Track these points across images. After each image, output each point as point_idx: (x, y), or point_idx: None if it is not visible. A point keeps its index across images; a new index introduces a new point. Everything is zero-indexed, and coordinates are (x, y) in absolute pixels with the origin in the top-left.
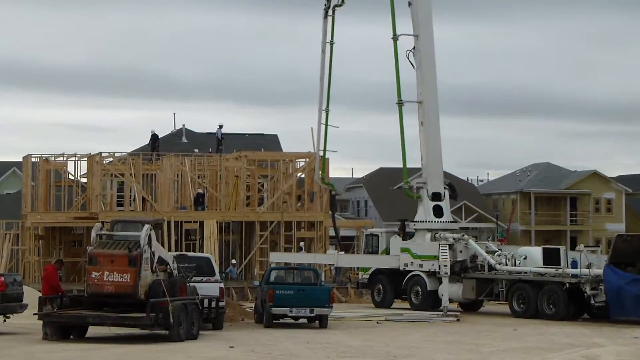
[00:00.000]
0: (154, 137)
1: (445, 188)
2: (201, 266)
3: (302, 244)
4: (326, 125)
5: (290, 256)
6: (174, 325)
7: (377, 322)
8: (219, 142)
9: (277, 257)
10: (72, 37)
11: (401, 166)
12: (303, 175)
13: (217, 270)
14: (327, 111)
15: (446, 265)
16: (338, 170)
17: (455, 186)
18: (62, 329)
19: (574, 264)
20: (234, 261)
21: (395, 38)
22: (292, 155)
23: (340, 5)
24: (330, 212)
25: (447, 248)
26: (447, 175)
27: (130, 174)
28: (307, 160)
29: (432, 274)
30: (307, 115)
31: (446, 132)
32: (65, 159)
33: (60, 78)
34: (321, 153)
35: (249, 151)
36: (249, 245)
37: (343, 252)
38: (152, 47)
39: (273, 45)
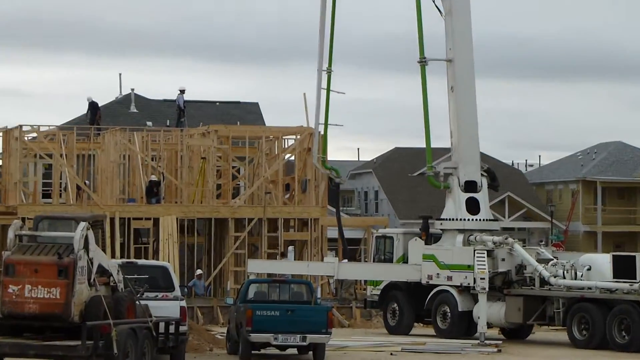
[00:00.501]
0: (93, 105)
1: (482, 175)
2: (156, 278)
3: (290, 248)
4: (328, 91)
5: (276, 265)
6: (119, 357)
7: (391, 354)
8: (180, 112)
9: (257, 267)
10: None
11: (423, 146)
12: (293, 158)
13: (176, 283)
14: (328, 72)
15: (483, 279)
16: (340, 151)
17: (495, 173)
18: None
19: None
20: (199, 271)
21: None
22: (278, 130)
23: None
24: (335, 208)
25: (485, 255)
26: (484, 158)
27: (61, 155)
28: (299, 137)
29: (464, 290)
30: (300, 78)
31: (484, 100)
32: None
33: None
34: (321, 128)
35: (221, 125)
36: (220, 251)
37: (346, 260)
38: None
39: None
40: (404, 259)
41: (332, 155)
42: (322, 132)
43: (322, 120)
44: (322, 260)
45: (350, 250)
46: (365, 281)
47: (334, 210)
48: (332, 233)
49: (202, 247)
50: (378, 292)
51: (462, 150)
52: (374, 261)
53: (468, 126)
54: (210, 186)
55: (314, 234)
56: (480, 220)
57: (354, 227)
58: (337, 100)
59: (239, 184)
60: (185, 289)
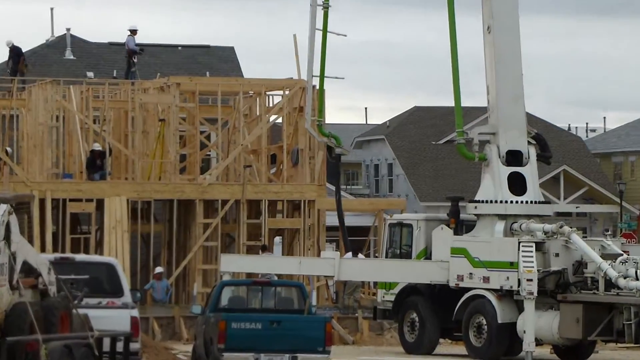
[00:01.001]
0: (15, 51)
1: (529, 143)
2: (99, 279)
3: (277, 240)
4: (324, 31)
5: (257, 262)
6: None
7: None
8: (131, 59)
9: (233, 264)
10: None
11: (452, 104)
12: (280, 120)
13: (126, 286)
14: (325, 8)
15: (531, 280)
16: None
17: (547, 140)
18: None
19: None
20: (158, 270)
21: None
22: (260, 83)
23: None
24: (334, 186)
25: (534, 249)
26: (532, 120)
27: None
28: (288, 92)
29: (506, 295)
30: (289, 16)
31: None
32: None
33: None
34: (316, 81)
35: (185, 77)
36: (185, 243)
37: (349, 255)
38: None
39: None
40: (426, 254)
41: (332, 117)
42: (317, 87)
43: (317, 71)
44: (318, 255)
45: (354, 242)
46: (376, 283)
47: (334, 189)
48: (332, 220)
49: (160, 238)
50: (392, 298)
51: (502, 110)
52: (386, 257)
53: (510, 78)
54: (172, 157)
55: (308, 221)
56: (526, 202)
57: (361, 212)
58: (338, 44)
59: (209, 155)
60: (139, 294)
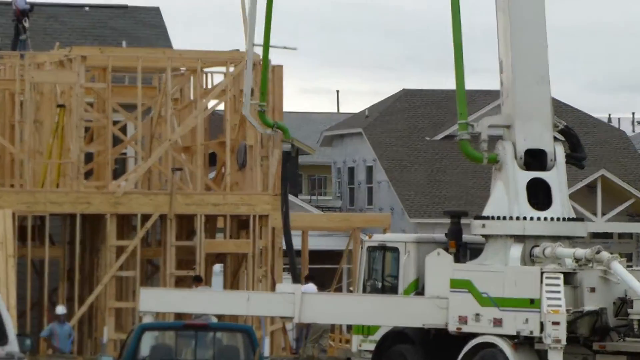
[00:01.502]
0: None
1: (556, 140)
2: None
3: (218, 268)
4: None
5: (190, 299)
6: None
7: None
8: (20, 23)
9: (157, 301)
10: None
11: (452, 88)
12: (222, 108)
13: (11, 330)
14: None
15: (558, 323)
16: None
17: (580, 137)
18: None
19: None
20: (61, 309)
21: None
22: (195, 57)
23: None
24: (281, 194)
25: (562, 282)
26: (560, 109)
27: None
28: (232, 69)
29: (524, 344)
30: None
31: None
32: None
33: None
34: (259, 51)
35: (93, 47)
36: (92, 272)
37: (311, 287)
38: None
39: None
40: (417, 288)
41: (290, 103)
42: (260, 60)
43: (260, 39)
44: (273, 289)
45: (321, 273)
46: (349, 327)
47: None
48: (294, 241)
49: (59, 266)
50: (372, 347)
51: (520, 94)
52: (364, 291)
53: (530, 52)
54: (75, 157)
55: (259, 243)
56: (552, 219)
57: (331, 231)
58: (299, 3)
59: (125, 154)
60: (29, 341)
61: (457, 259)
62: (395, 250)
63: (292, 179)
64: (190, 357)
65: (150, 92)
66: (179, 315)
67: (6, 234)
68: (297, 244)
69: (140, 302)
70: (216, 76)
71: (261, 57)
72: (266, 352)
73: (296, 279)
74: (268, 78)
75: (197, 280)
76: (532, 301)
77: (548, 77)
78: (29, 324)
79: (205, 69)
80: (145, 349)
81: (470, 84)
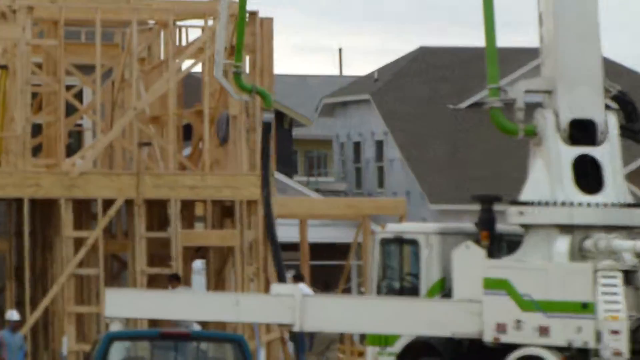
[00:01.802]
0: None
1: (608, 108)
2: None
3: (199, 264)
4: None
5: (167, 302)
6: None
7: None
8: None
9: (126, 306)
10: None
11: (481, 45)
12: (200, 69)
13: None
14: None
15: (618, 332)
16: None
17: (636, 104)
18: None
19: None
20: (13, 315)
21: None
22: (166, 8)
23: None
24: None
25: (620, 281)
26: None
27: None
28: (212, 23)
29: (577, 357)
30: None
31: None
32: None
33: None
34: None
35: None
36: (46, 270)
37: (306, 288)
38: None
39: None
40: (443, 288)
41: (282, 63)
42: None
43: None
44: (267, 290)
45: (323, 271)
46: (363, 337)
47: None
48: (290, 233)
49: (5, 262)
50: (390, 358)
51: (563, 53)
52: (379, 292)
53: (576, 1)
54: (20, 129)
55: (248, 235)
56: (605, 205)
57: (334, 220)
58: None
59: (81, 125)
60: None
61: (491, 254)
62: (414, 243)
63: (266, 154)
64: None
65: (111, 50)
66: (153, 322)
67: None
68: (293, 235)
69: (106, 306)
70: (192, 31)
71: (222, 4)
72: None
73: (282, 280)
74: (245, 30)
75: (173, 280)
76: (584, 305)
77: (598, 31)
78: None
79: (179, 22)
80: None
81: (502, 41)
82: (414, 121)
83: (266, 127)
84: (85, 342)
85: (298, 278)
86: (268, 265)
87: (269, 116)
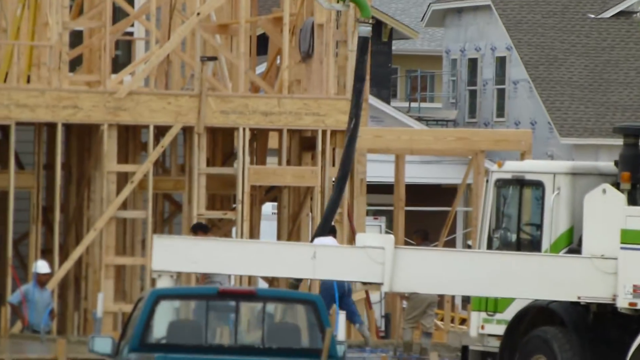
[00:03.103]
0: None
1: None
2: None
3: (269, 208)
4: None
5: (229, 254)
6: None
7: None
8: None
9: (179, 257)
10: None
11: None
12: None
13: None
14: None
15: None
16: None
17: None
18: None
19: None
20: (43, 266)
21: None
22: None
23: None
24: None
25: None
26: None
27: None
28: None
29: None
30: None
31: None
32: None
33: None
34: None
35: None
36: (80, 211)
37: (332, 240)
38: None
39: None
40: (570, 241)
41: None
42: None
43: None
44: (352, 241)
45: (422, 218)
46: (467, 301)
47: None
48: (382, 170)
49: (30, 201)
50: (501, 330)
51: None
52: (490, 246)
53: None
54: (54, 38)
55: (330, 172)
56: None
57: (440, 155)
58: None
59: (131, 34)
60: None
61: (633, 200)
62: (538, 185)
63: (385, 78)
64: (227, 342)
65: None
66: (208, 278)
67: None
68: (387, 174)
69: (153, 258)
70: None
71: None
72: (340, 334)
73: (321, 230)
74: None
75: (199, 230)
76: None
77: None
78: None
79: None
80: (160, 326)
81: None
82: (544, 33)
83: (362, 43)
84: (126, 301)
85: (330, 232)
86: (355, 210)
87: (366, 29)
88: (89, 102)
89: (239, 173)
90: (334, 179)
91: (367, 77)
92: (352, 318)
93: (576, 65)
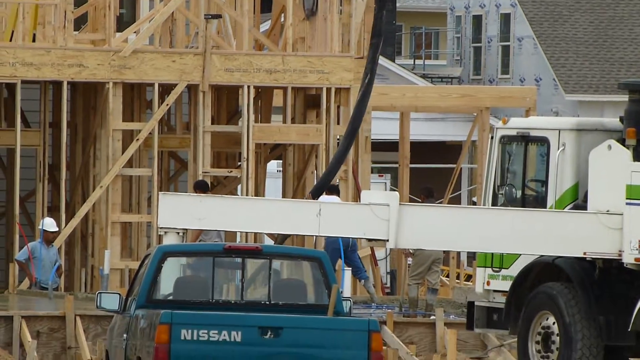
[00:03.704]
0: None
1: None
2: None
3: (274, 166)
4: None
5: (235, 210)
6: None
7: None
8: None
9: (185, 214)
10: None
11: None
12: None
13: None
14: None
15: None
16: None
17: None
18: None
19: None
20: (50, 223)
21: None
22: None
23: None
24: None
25: None
26: None
27: None
28: None
29: None
30: None
31: None
32: None
33: None
34: None
35: None
36: (86, 169)
37: (335, 199)
38: None
39: None
40: (575, 197)
41: None
42: None
43: None
44: (357, 198)
45: (424, 175)
46: (472, 257)
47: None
48: (385, 127)
49: (37, 159)
50: (506, 286)
51: None
52: (495, 202)
53: None
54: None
55: (336, 130)
56: None
57: (444, 113)
58: None
59: None
60: None
61: (639, 156)
62: (543, 141)
63: (390, 34)
64: (234, 297)
65: None
66: (216, 235)
67: None
68: (392, 132)
69: (159, 215)
70: None
71: None
72: (346, 290)
73: (318, 189)
74: None
75: (199, 189)
76: None
77: None
78: None
79: None
80: (167, 283)
81: None
82: None
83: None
84: (132, 258)
85: (332, 190)
86: (359, 167)
87: None
88: (94, 61)
89: (243, 131)
90: (338, 137)
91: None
92: (357, 274)
93: (581, 21)
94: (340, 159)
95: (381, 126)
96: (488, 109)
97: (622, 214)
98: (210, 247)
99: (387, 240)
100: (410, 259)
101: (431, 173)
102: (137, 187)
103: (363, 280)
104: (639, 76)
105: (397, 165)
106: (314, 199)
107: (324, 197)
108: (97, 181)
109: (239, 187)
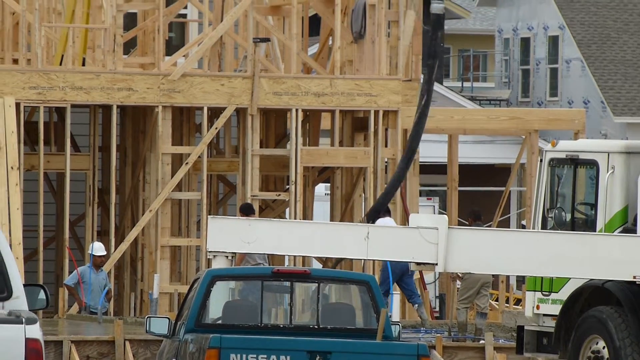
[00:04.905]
0: None
1: None
2: None
3: (322, 189)
4: None
5: (285, 233)
6: None
7: None
8: None
9: (234, 238)
10: None
11: None
12: None
13: (18, 279)
14: None
15: None
16: None
17: None
18: None
19: None
20: (99, 247)
21: None
22: None
23: None
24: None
25: None
26: None
27: None
28: None
29: None
30: None
31: None
32: None
33: None
34: None
35: None
36: (135, 193)
37: (389, 221)
38: None
39: None
40: (625, 220)
41: None
42: None
43: None
44: (405, 221)
45: (474, 199)
46: (521, 281)
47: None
48: (433, 150)
49: (86, 183)
50: (556, 310)
51: None
52: (544, 226)
53: None
54: (110, 20)
55: (384, 153)
56: None
57: (492, 135)
58: None
59: (185, 16)
60: (42, 294)
61: None
62: (592, 164)
63: (433, 56)
64: (282, 321)
65: None
66: (263, 259)
67: (6, 135)
68: (440, 155)
69: (208, 238)
70: None
71: None
72: (395, 314)
73: (374, 212)
74: None
75: (244, 212)
76: None
77: None
78: (41, 268)
79: None
80: (216, 307)
81: None
82: (597, 12)
83: (435, 20)
84: (181, 281)
85: (386, 212)
86: (408, 190)
87: (439, 6)
88: (143, 84)
89: (292, 154)
90: (386, 159)
91: (420, 56)
92: (411, 298)
93: (629, 43)
94: (398, 180)
95: (429, 149)
96: (537, 131)
97: None
98: (259, 270)
99: (436, 264)
100: (459, 282)
101: (480, 196)
102: (187, 210)
103: (417, 305)
104: None
105: (445, 188)
106: (370, 221)
107: (380, 220)
108: (147, 205)
109: (287, 210)
